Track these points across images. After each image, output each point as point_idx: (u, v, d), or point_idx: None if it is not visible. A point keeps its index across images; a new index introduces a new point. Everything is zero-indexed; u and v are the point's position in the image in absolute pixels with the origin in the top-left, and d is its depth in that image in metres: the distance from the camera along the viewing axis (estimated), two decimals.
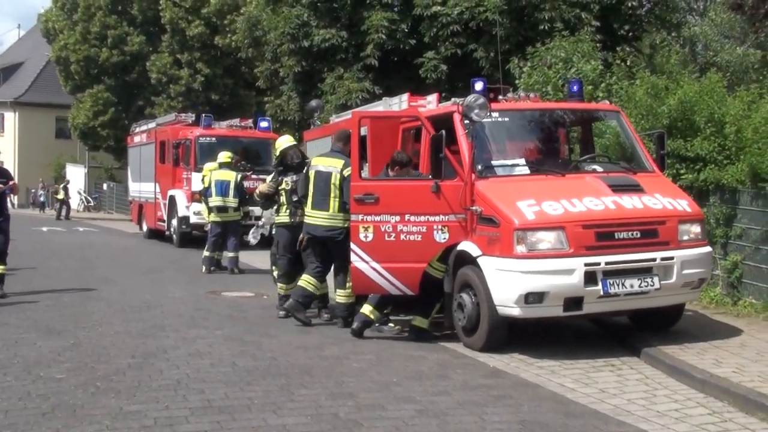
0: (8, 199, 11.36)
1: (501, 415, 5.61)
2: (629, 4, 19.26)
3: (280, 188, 9.89)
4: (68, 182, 37.69)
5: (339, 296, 9.13)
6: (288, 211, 9.66)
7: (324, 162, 9.19)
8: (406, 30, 19.61)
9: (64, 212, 34.63)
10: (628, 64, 14.24)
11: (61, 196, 35.48)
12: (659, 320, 8.26)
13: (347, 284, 8.99)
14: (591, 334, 8.73)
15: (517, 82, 14.41)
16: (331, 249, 9.01)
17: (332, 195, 8.89)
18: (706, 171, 10.22)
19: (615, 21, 19.57)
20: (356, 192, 8.22)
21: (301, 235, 9.25)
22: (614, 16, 19.50)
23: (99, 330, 8.57)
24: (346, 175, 8.73)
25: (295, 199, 9.58)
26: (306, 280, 9.11)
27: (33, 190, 44.20)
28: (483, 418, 5.53)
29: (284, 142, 10.30)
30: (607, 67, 14.18)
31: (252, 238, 11.46)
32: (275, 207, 10.13)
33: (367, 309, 8.51)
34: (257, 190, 10.42)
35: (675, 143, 10.41)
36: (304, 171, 9.42)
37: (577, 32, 15.72)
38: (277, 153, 10.31)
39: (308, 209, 9.11)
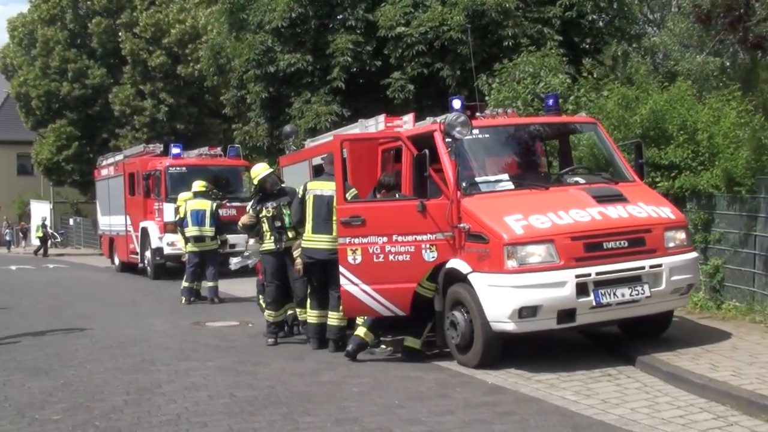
0: None
1: None
2: (589, 18, 19.57)
3: (261, 216, 9.82)
4: (45, 219, 37.54)
5: (332, 319, 9.08)
6: (272, 237, 9.61)
7: (322, 186, 9.13)
8: (371, 51, 19.70)
9: (41, 250, 35.57)
10: (595, 76, 14.48)
11: (39, 234, 36.04)
12: (649, 328, 8.32)
13: (341, 308, 8.98)
14: (583, 346, 8.77)
15: (486, 98, 14.53)
16: (330, 271, 8.93)
17: (334, 218, 8.76)
18: (681, 178, 10.41)
19: (576, 35, 19.86)
20: (342, 215, 8.21)
21: (298, 260, 9.22)
22: (575, 30, 19.79)
23: (87, 368, 8.42)
24: (349, 198, 8.70)
25: (278, 225, 9.56)
26: (331, 317, 9.07)
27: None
28: None
29: (261, 170, 10.15)
30: (574, 80, 14.40)
31: (233, 265, 11.34)
32: (258, 236, 10.11)
33: (361, 331, 8.48)
34: (239, 222, 10.32)
35: (649, 152, 10.55)
36: (300, 196, 9.33)
37: (541, 47, 15.92)
38: (255, 182, 10.17)
39: (308, 234, 9.07)
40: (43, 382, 7.75)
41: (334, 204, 8.87)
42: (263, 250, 9.85)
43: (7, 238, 41.05)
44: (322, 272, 9.14)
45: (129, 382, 7.57)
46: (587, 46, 20.08)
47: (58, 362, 8.80)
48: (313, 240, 9.10)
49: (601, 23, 20.57)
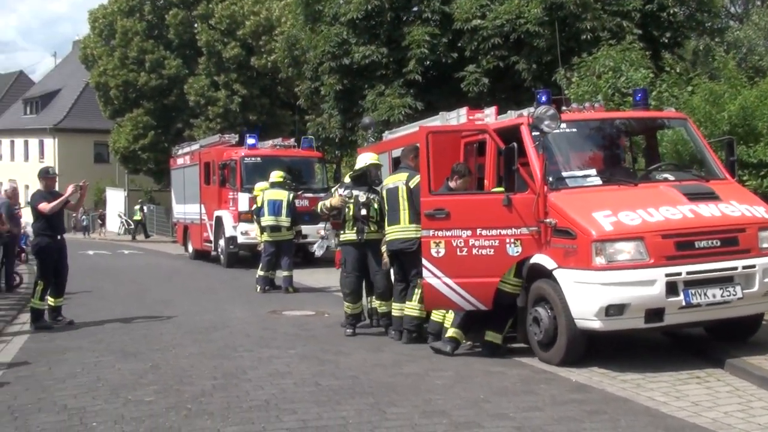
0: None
1: (601, 431, 5.53)
2: (670, 11, 19.12)
3: (349, 201, 9.65)
4: (142, 203, 38.73)
5: (408, 309, 9.11)
6: (355, 228, 9.62)
7: (392, 179, 9.39)
8: (447, 44, 19.61)
9: (141, 233, 37.62)
10: (678, 71, 14.16)
11: (138, 217, 37.77)
12: (737, 330, 8.12)
13: (415, 298, 9.00)
14: (666, 346, 8.60)
15: (565, 92, 14.33)
16: (404, 261, 9.02)
17: (401, 208, 9.02)
18: None
19: (656, 29, 19.45)
20: (426, 207, 8.21)
21: (384, 253, 9.31)
22: (655, 24, 19.38)
23: (173, 352, 8.60)
24: (411, 186, 8.76)
25: (363, 213, 9.53)
26: (408, 307, 9.10)
27: (74, 215, 44.74)
28: None
29: (369, 158, 9.98)
30: (655, 75, 14.09)
31: (318, 248, 11.29)
32: (328, 224, 10.16)
33: (453, 332, 8.40)
34: (328, 202, 9.93)
35: (737, 149, 10.27)
36: (371, 185, 9.48)
37: (620, 41, 15.62)
38: (358, 167, 9.95)
39: (386, 227, 9.18)
40: (133, 364, 7.95)
41: (399, 194, 9.04)
42: (344, 241, 9.81)
43: (84, 223, 42.23)
44: (399, 263, 9.19)
45: (215, 367, 7.70)
46: (667, 40, 19.65)
47: (145, 346, 9.01)
48: (388, 232, 9.22)
49: (681, 16, 20.05)
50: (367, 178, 9.83)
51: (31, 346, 9.21)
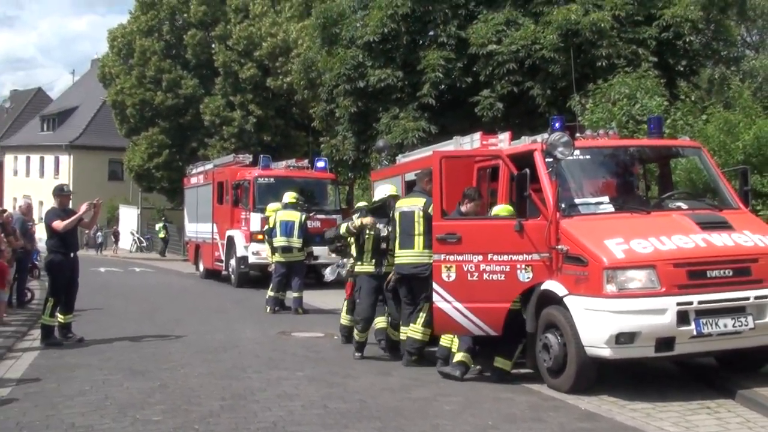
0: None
1: None
2: (686, 39, 19.12)
3: (367, 233, 9.62)
4: (165, 220, 39.03)
5: (411, 331, 9.10)
6: (373, 260, 9.59)
7: (407, 202, 9.35)
8: (462, 68, 19.68)
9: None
10: (693, 99, 14.14)
11: (162, 234, 38.10)
12: (748, 360, 8.05)
13: (419, 320, 9.00)
14: (676, 375, 8.54)
15: (579, 119, 14.35)
16: (415, 286, 9.00)
17: (416, 233, 8.99)
18: None
19: (671, 57, 19.44)
20: (438, 231, 8.22)
21: (390, 275, 9.30)
22: (671, 52, 19.38)
23: (182, 371, 8.60)
24: (430, 212, 8.77)
25: (383, 247, 9.52)
26: (412, 330, 9.09)
27: (87, 232, 45.00)
28: None
29: (389, 190, 10.07)
30: (670, 103, 14.08)
31: (330, 273, 11.28)
32: (350, 255, 10.14)
33: (462, 356, 8.38)
34: (357, 222, 9.73)
35: (751, 179, 10.23)
36: (390, 215, 9.46)
37: (636, 68, 15.63)
38: (377, 198, 10.14)
39: (396, 250, 9.16)
40: (141, 383, 7.95)
41: (416, 219, 9.03)
42: (361, 271, 9.76)
43: (99, 240, 42.36)
44: (408, 287, 9.17)
45: (223, 388, 7.69)
46: (682, 69, 19.63)
47: (153, 364, 9.02)
48: (399, 256, 9.18)
49: (697, 45, 20.05)
50: (386, 210, 9.82)
51: (41, 363, 9.24)
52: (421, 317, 8.99)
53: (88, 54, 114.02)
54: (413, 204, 9.18)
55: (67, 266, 10.69)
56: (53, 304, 10.60)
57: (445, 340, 8.74)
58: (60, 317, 10.73)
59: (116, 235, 43.65)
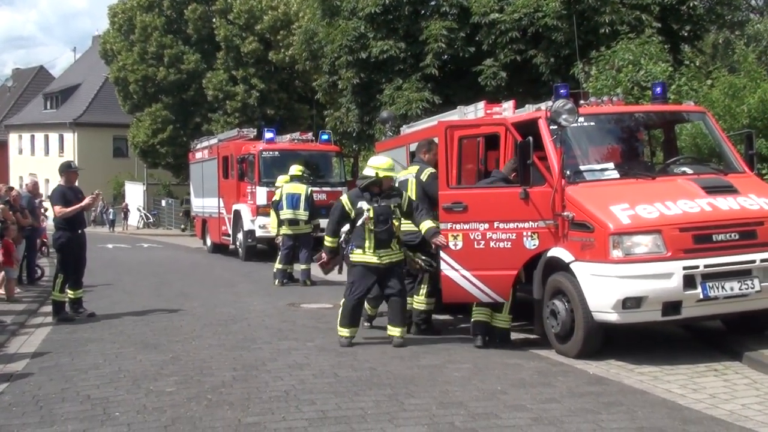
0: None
1: (618, 422, 5.56)
2: (690, 4, 18.99)
3: (363, 216, 8.61)
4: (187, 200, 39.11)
5: (416, 303, 9.19)
6: (372, 247, 9.40)
7: (404, 172, 9.47)
8: (464, 38, 19.59)
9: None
10: (697, 64, 14.08)
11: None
12: (755, 323, 8.10)
13: (422, 291, 9.08)
14: (683, 339, 8.61)
15: (583, 86, 14.31)
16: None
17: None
18: None
19: (675, 22, 19.34)
20: (444, 201, 8.25)
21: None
22: (674, 17, 19.29)
23: (193, 344, 8.70)
24: (423, 179, 8.77)
25: (381, 230, 9.23)
26: (416, 301, 9.17)
27: (94, 209, 45.15)
28: (600, 425, 5.48)
29: (385, 165, 8.66)
30: (674, 68, 14.02)
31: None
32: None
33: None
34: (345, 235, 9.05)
35: (756, 142, 10.23)
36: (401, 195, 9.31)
37: (639, 34, 15.54)
38: (375, 174, 8.53)
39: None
40: (153, 355, 8.05)
41: (410, 187, 9.07)
42: (356, 261, 8.64)
43: (111, 217, 42.42)
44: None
45: (234, 359, 7.79)
46: (686, 34, 19.54)
47: (165, 337, 9.12)
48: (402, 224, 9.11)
49: (701, 9, 19.91)
50: (379, 187, 8.61)
51: (54, 338, 9.35)
52: (423, 288, 9.07)
53: (89, 31, 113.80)
54: (408, 172, 9.28)
55: (75, 243, 10.78)
56: (62, 281, 10.71)
57: (480, 314, 8.45)
58: (70, 293, 10.83)
59: (126, 211, 43.75)
